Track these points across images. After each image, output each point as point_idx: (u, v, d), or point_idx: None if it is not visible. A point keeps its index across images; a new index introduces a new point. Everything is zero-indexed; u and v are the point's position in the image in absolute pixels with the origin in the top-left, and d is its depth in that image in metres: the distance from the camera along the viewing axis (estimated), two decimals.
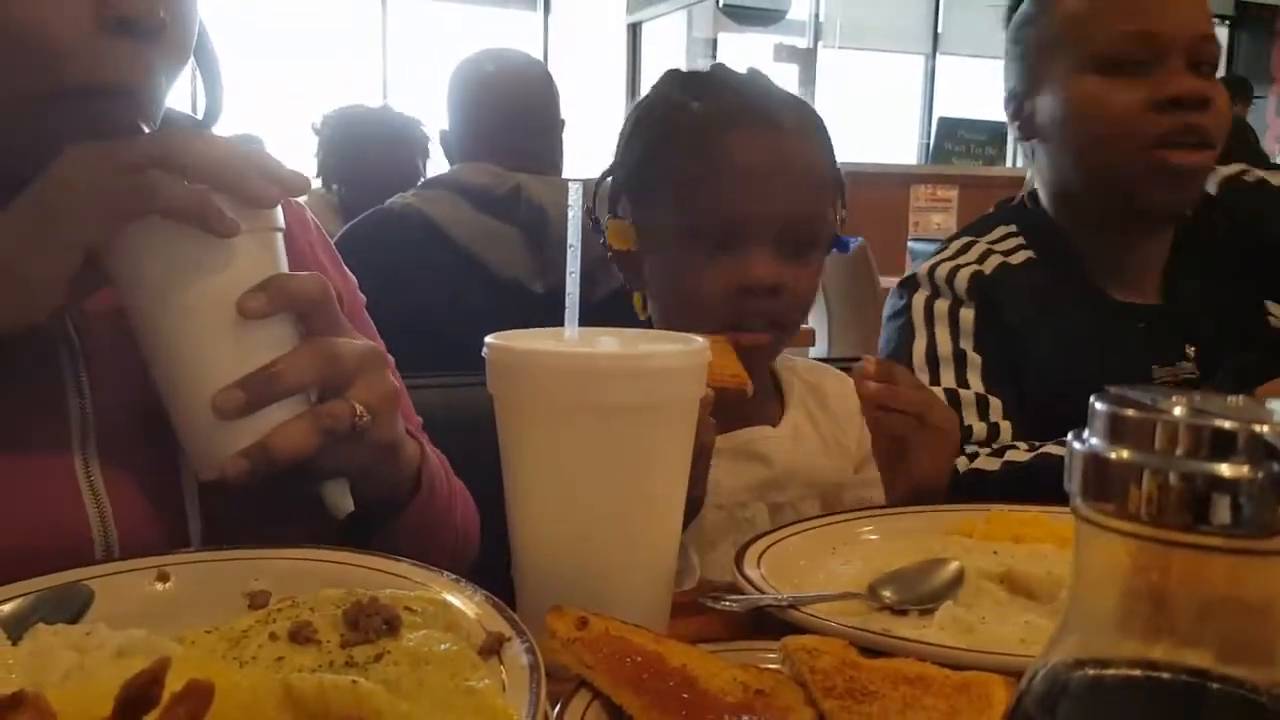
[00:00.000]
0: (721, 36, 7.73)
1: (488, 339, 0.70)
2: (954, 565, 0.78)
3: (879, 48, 8.57)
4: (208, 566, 0.70)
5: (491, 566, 0.79)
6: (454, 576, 0.66)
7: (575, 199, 0.73)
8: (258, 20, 6.75)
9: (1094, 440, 0.29)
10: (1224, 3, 8.65)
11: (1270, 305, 1.34)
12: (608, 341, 0.76)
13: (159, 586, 0.68)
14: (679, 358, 0.70)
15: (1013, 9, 1.38)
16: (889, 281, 1.42)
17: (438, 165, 2.52)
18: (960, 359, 1.25)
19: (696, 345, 0.71)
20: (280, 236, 0.72)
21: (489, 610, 0.61)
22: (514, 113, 1.92)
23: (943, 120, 6.98)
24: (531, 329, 0.74)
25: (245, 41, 6.38)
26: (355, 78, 6.86)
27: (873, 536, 0.90)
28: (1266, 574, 0.28)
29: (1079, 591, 0.31)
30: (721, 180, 1.01)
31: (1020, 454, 1.13)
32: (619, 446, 0.67)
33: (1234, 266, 1.34)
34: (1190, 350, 1.28)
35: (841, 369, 1.20)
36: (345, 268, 0.97)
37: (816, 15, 7.72)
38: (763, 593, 0.73)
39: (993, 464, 1.12)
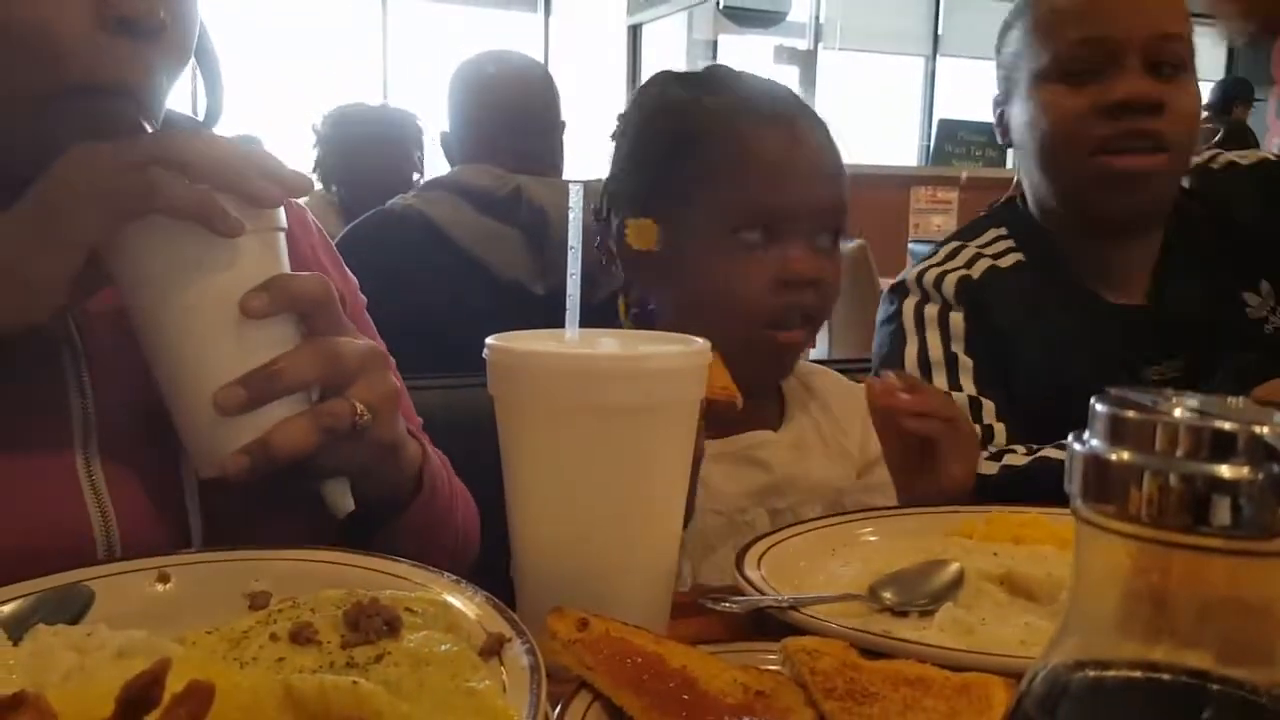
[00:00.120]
0: (722, 38, 7.74)
1: (488, 340, 0.70)
2: (954, 567, 0.78)
3: (879, 49, 8.57)
4: (208, 567, 0.70)
5: (491, 567, 0.79)
6: (454, 577, 0.66)
7: (576, 200, 0.73)
8: (258, 21, 6.75)
9: (1094, 442, 0.29)
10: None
11: (1247, 296, 1.34)
12: (608, 343, 0.76)
13: (159, 587, 0.68)
14: (679, 359, 0.70)
15: None
16: (889, 283, 1.43)
17: (435, 162, 2.52)
18: (952, 362, 1.26)
19: (697, 346, 0.71)
20: (283, 237, 0.72)
21: (489, 611, 0.61)
22: (515, 114, 1.92)
23: (943, 122, 6.98)
24: (532, 330, 0.74)
25: (246, 42, 6.38)
26: (356, 79, 6.86)
27: (873, 538, 0.90)
28: (1266, 575, 0.28)
29: (1079, 593, 0.31)
30: (762, 172, 1.01)
31: (1018, 458, 1.13)
32: (619, 447, 0.67)
33: (1214, 259, 1.34)
34: (1179, 350, 1.29)
35: (839, 370, 1.20)
36: (346, 268, 0.97)
37: (817, 17, 7.72)
38: (763, 594, 0.73)
39: (990, 468, 1.12)
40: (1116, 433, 0.28)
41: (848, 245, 1.15)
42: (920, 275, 1.33)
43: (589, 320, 0.74)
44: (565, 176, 1.99)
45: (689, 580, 0.90)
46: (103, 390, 0.75)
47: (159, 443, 0.76)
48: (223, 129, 0.86)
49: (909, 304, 1.32)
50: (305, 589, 0.63)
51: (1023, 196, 1.40)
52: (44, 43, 0.66)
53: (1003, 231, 1.38)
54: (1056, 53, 1.25)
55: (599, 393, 0.67)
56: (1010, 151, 1.40)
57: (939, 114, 7.81)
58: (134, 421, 0.76)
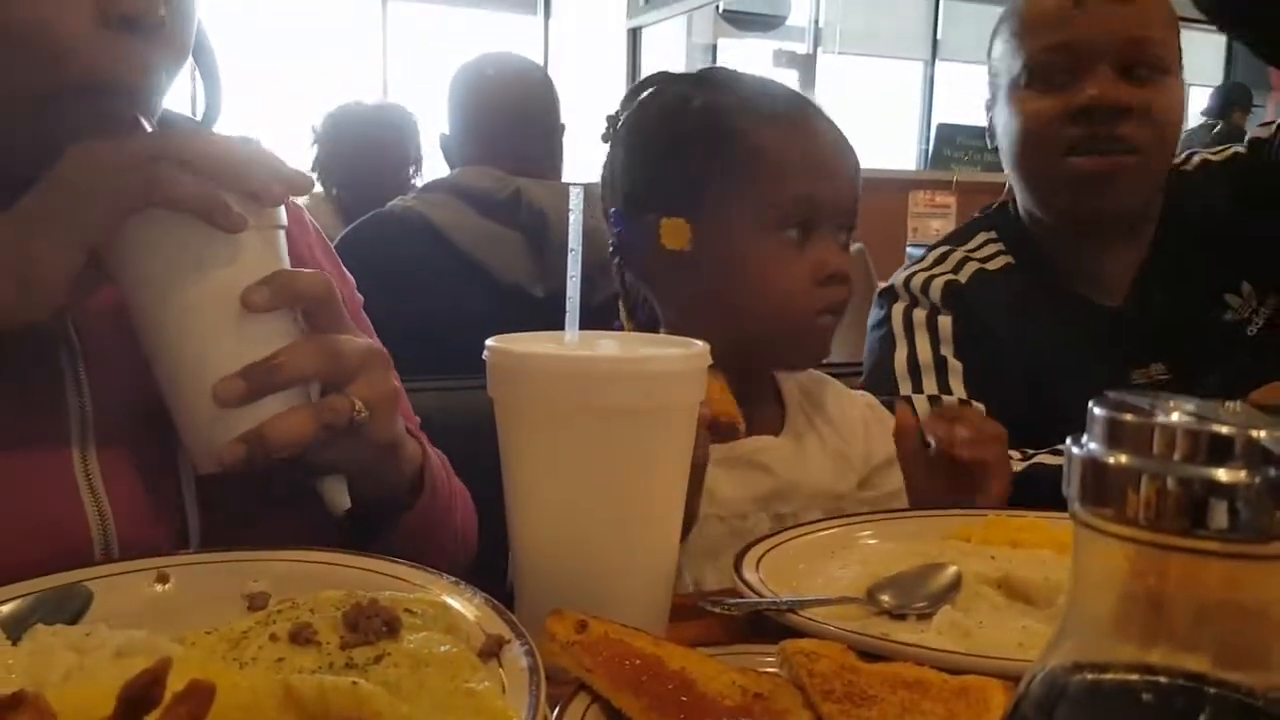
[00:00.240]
0: (721, 42, 7.74)
1: (488, 342, 0.70)
2: (952, 570, 0.78)
3: (878, 53, 8.58)
4: (207, 568, 0.70)
5: (489, 567, 0.79)
6: (453, 579, 0.66)
7: (577, 203, 0.73)
8: (258, 22, 6.75)
9: (1092, 445, 0.29)
10: None
11: (1229, 298, 1.34)
12: (608, 345, 0.76)
13: (158, 588, 0.68)
14: (679, 361, 0.70)
15: None
16: None
17: (434, 162, 2.52)
18: (941, 366, 1.26)
19: (696, 349, 0.71)
20: (283, 234, 0.72)
21: (488, 613, 0.61)
22: (514, 117, 1.92)
23: (941, 126, 6.99)
24: (532, 332, 0.74)
25: (245, 43, 6.38)
26: (355, 80, 6.86)
27: (871, 541, 0.90)
28: (1263, 578, 0.28)
29: (1077, 596, 0.31)
30: (801, 170, 1.02)
31: (1015, 463, 1.13)
32: (619, 450, 0.68)
33: (1195, 261, 1.35)
34: (1163, 353, 1.29)
35: (834, 374, 1.20)
36: (343, 268, 0.97)
37: (816, 21, 7.73)
38: (761, 596, 0.73)
39: None
40: (1114, 436, 0.28)
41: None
42: (908, 280, 1.33)
43: (588, 323, 0.74)
44: (564, 179, 1.99)
45: (691, 585, 0.90)
46: (100, 389, 0.75)
47: (156, 442, 0.76)
48: (221, 129, 0.86)
49: (898, 308, 1.32)
50: (304, 590, 0.63)
51: (1014, 200, 1.41)
52: (44, 41, 0.66)
53: (992, 235, 1.39)
54: (1030, 58, 1.27)
55: (599, 395, 0.67)
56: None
57: (937, 118, 7.81)
58: (131, 420, 0.76)
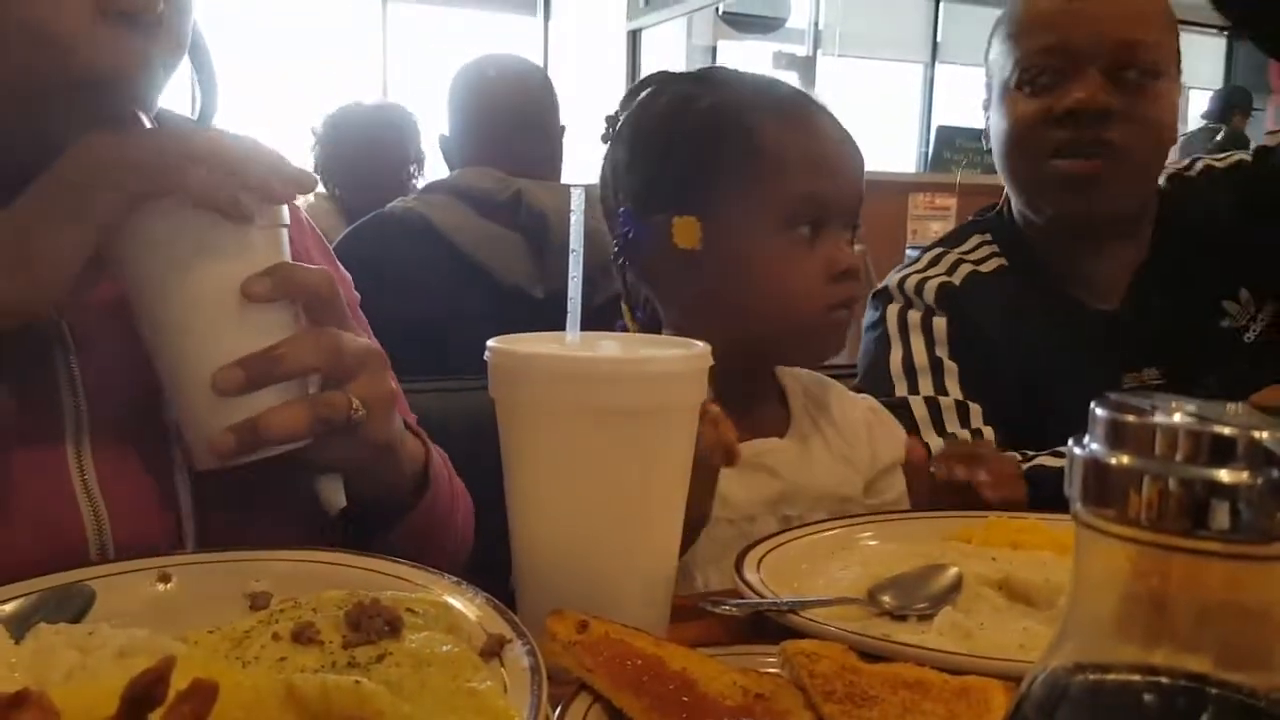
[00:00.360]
0: (721, 44, 7.75)
1: (490, 343, 0.70)
2: (953, 571, 0.78)
3: (878, 56, 8.58)
4: (209, 567, 0.70)
5: (487, 565, 0.79)
6: (455, 579, 0.66)
7: (578, 204, 0.73)
8: (258, 23, 6.75)
9: (1094, 446, 0.29)
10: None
11: (1226, 304, 1.34)
12: (609, 346, 0.76)
13: (160, 587, 0.68)
14: (680, 362, 0.70)
15: None
16: None
17: (434, 163, 2.52)
18: (937, 367, 1.26)
19: (697, 350, 0.71)
20: (286, 232, 0.73)
21: (490, 612, 0.61)
22: (515, 118, 1.92)
23: (941, 129, 6.99)
24: (533, 333, 0.74)
25: (246, 44, 6.38)
26: (355, 81, 6.86)
27: (872, 542, 0.90)
28: (1265, 579, 0.28)
29: (1079, 596, 0.31)
30: (812, 167, 1.01)
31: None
32: (620, 450, 0.68)
33: (1193, 267, 1.35)
34: (1157, 358, 1.29)
35: (830, 375, 1.20)
36: (340, 266, 0.98)
37: (816, 23, 7.73)
38: (762, 597, 0.73)
39: None
40: (1116, 437, 0.28)
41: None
42: (902, 282, 1.34)
43: (589, 324, 0.74)
44: (564, 180, 1.99)
45: (702, 587, 0.89)
46: (94, 387, 0.75)
47: (151, 440, 0.76)
48: (219, 128, 0.86)
49: (892, 310, 1.32)
50: (306, 589, 0.63)
51: (1008, 203, 1.41)
52: (44, 36, 0.66)
53: (986, 237, 1.39)
54: (1020, 61, 1.28)
55: (600, 395, 0.67)
56: None
57: (937, 120, 7.81)
58: (126, 419, 0.75)
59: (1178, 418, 0.28)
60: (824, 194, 1.01)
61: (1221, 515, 0.26)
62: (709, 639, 0.68)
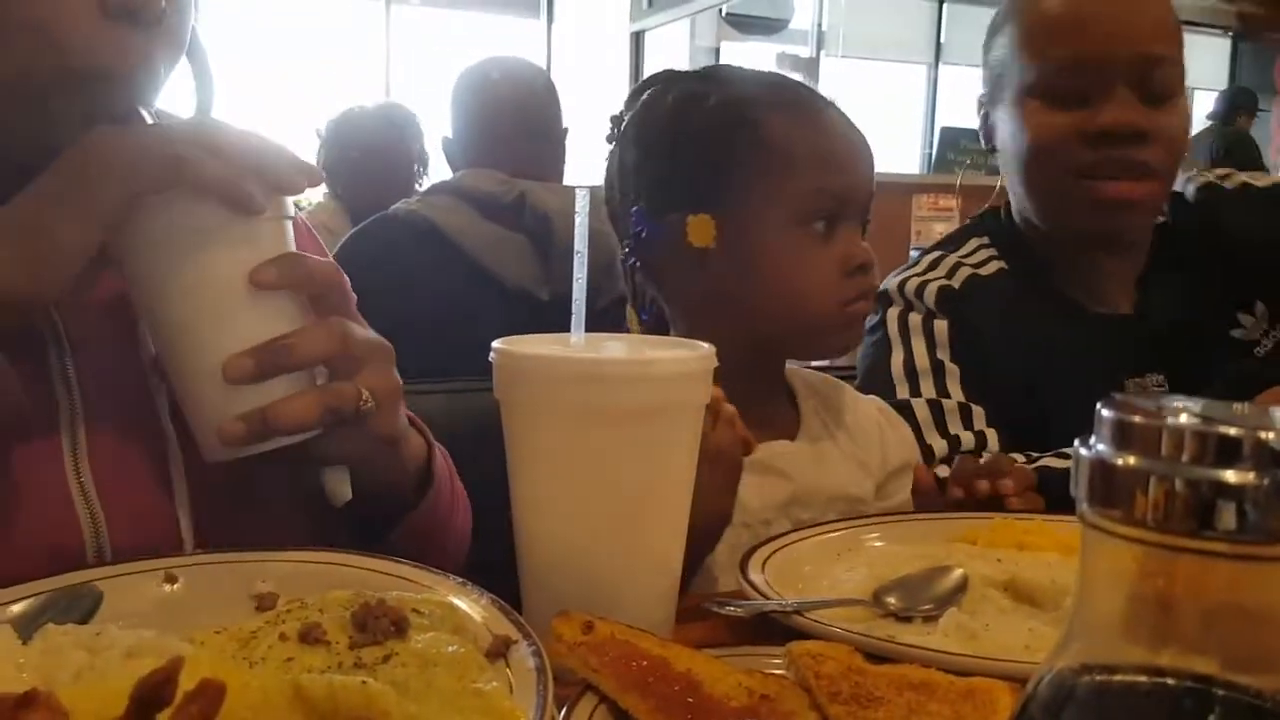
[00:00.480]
0: (724, 45, 7.75)
1: (495, 344, 0.70)
2: (958, 572, 0.78)
3: (882, 57, 8.58)
4: (215, 568, 0.70)
5: (494, 567, 0.79)
6: (460, 580, 0.66)
7: (583, 206, 0.73)
8: (262, 25, 6.76)
9: (1100, 446, 0.29)
10: (1227, 15, 8.66)
11: (1241, 316, 1.34)
12: (614, 347, 0.76)
13: (167, 588, 0.68)
14: (685, 363, 0.70)
15: None
16: None
17: (437, 162, 2.52)
18: (939, 369, 1.26)
19: (702, 351, 0.71)
20: (291, 225, 0.73)
21: (495, 613, 0.61)
22: (519, 120, 1.93)
23: (945, 130, 6.99)
24: (538, 334, 0.74)
25: (249, 46, 6.39)
26: (359, 83, 6.87)
27: (877, 543, 0.90)
28: (1272, 580, 0.28)
29: (1085, 597, 0.31)
30: (827, 163, 1.01)
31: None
32: (625, 451, 0.68)
33: (1209, 276, 1.34)
34: (1162, 363, 1.29)
35: (842, 377, 1.20)
36: (338, 267, 0.98)
37: (819, 24, 7.73)
38: (767, 598, 0.73)
39: None
40: (1122, 437, 0.28)
41: None
42: (902, 284, 1.33)
43: (593, 326, 0.74)
44: (567, 182, 2.00)
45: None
46: (90, 387, 0.75)
47: (148, 442, 0.76)
48: None
49: (893, 313, 1.32)
50: (312, 590, 0.64)
51: (1007, 205, 1.40)
52: (46, 32, 0.66)
53: (985, 240, 1.38)
54: (1043, 70, 1.24)
55: (605, 396, 0.67)
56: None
57: (941, 122, 7.81)
58: (122, 419, 0.75)
59: (1184, 418, 0.28)
60: (838, 189, 1.01)
61: (1228, 516, 0.26)
62: (714, 640, 0.68)
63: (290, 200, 0.72)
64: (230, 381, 0.68)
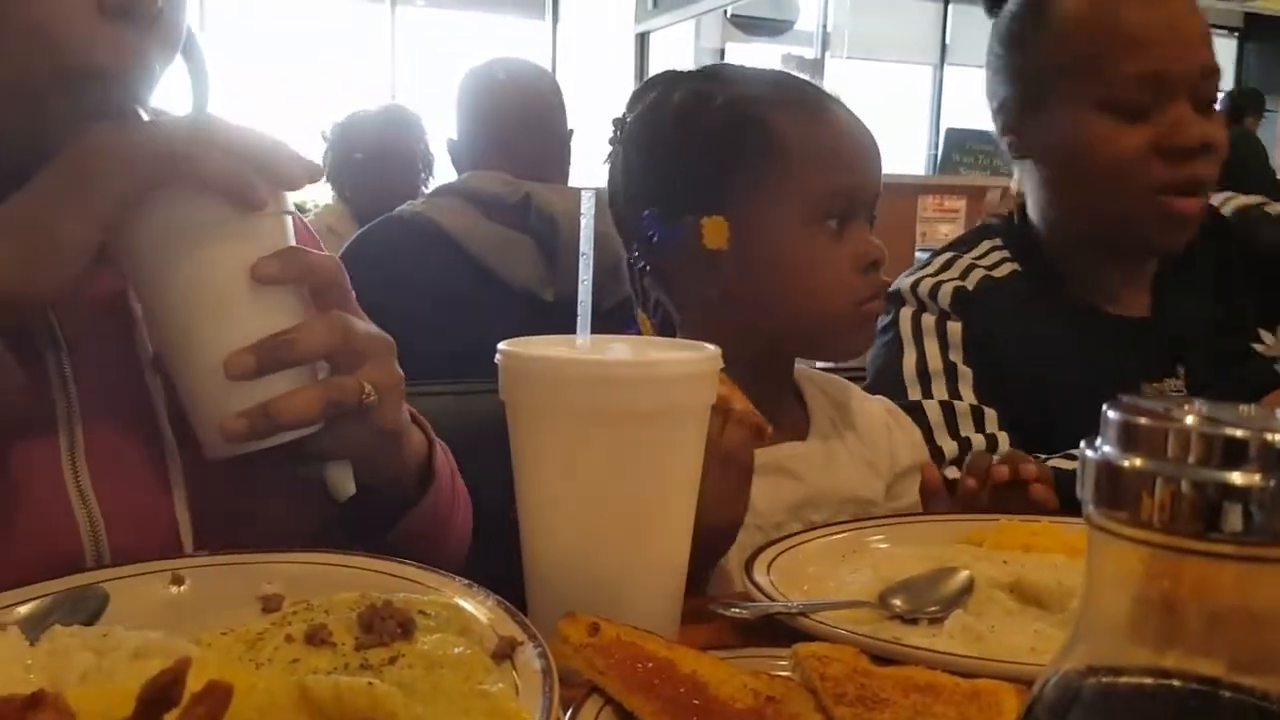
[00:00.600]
0: (729, 46, 7.77)
1: (500, 345, 0.70)
2: (964, 574, 0.78)
3: (887, 58, 8.59)
4: (221, 570, 0.70)
5: (487, 565, 0.79)
6: (466, 581, 0.66)
7: (588, 207, 0.73)
8: (267, 26, 6.78)
9: (1107, 448, 0.29)
10: (1232, 15, 8.65)
11: (1263, 332, 1.33)
12: (619, 348, 0.76)
13: (174, 589, 0.68)
14: (691, 365, 0.70)
15: (994, 5, 1.37)
16: None
17: (442, 163, 2.52)
18: (951, 371, 1.25)
19: (708, 352, 0.71)
20: (291, 220, 0.73)
21: (501, 615, 0.61)
22: (524, 121, 1.93)
23: (950, 131, 6.99)
24: (543, 336, 0.75)
25: (255, 48, 6.41)
26: (364, 84, 6.88)
27: (883, 545, 0.90)
28: (1278, 582, 0.28)
29: (1091, 599, 0.31)
30: (840, 160, 1.01)
31: None
32: (631, 452, 0.68)
33: (1232, 287, 1.34)
34: (1179, 367, 1.28)
35: (851, 378, 1.20)
36: (338, 261, 0.98)
37: (824, 26, 7.74)
38: (773, 600, 0.73)
39: None
40: (1129, 439, 0.28)
41: None
42: (915, 285, 1.32)
43: (598, 328, 0.74)
44: (572, 183, 2.00)
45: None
46: (87, 388, 0.75)
47: (146, 443, 0.76)
48: None
49: (905, 313, 1.31)
50: (318, 591, 0.64)
51: (1020, 210, 1.39)
52: (43, 30, 0.67)
53: (998, 243, 1.37)
54: (1109, 84, 1.20)
55: (611, 398, 0.67)
56: (1017, 163, 1.38)
57: (946, 123, 7.81)
58: (119, 420, 0.75)
59: (1190, 420, 0.28)
60: (850, 187, 1.01)
61: (1234, 517, 0.26)
62: (720, 642, 0.68)
63: (289, 196, 0.73)
64: (232, 377, 0.68)
